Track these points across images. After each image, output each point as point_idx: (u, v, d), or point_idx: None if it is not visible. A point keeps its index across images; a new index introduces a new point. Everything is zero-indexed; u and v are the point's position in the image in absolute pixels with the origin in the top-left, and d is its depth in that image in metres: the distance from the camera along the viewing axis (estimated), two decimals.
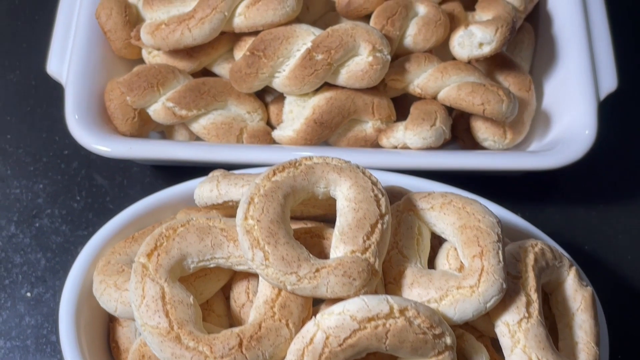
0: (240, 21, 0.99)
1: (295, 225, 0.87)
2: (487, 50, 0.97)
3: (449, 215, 0.79)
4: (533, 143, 1.06)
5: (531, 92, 1.05)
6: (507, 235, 0.90)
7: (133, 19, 1.08)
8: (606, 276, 1.06)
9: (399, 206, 0.83)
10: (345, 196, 0.77)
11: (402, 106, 1.04)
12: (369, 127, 1.02)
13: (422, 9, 1.04)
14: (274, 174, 0.77)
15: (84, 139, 0.96)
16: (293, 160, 0.79)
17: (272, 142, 1.04)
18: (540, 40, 1.12)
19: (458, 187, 0.92)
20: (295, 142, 1.00)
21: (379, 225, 0.74)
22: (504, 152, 1.00)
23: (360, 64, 0.96)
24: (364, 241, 0.73)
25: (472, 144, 1.06)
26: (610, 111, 1.04)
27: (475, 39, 0.97)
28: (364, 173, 0.78)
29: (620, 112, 1.11)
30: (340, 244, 0.74)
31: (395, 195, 0.89)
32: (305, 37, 0.98)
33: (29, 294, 1.03)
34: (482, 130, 1.03)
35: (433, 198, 0.82)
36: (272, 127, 1.06)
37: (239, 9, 0.98)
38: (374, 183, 0.78)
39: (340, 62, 0.96)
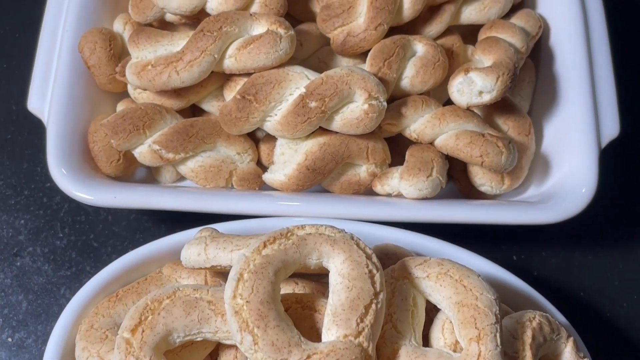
0: (230, 63, 0.94)
1: (285, 286, 0.85)
2: (487, 98, 0.94)
3: (446, 287, 0.77)
4: (531, 188, 1.03)
5: (531, 135, 1.02)
6: (503, 296, 0.88)
7: (118, 51, 1.03)
8: (601, 324, 1.04)
9: (393, 272, 0.80)
10: (338, 271, 0.74)
11: (398, 145, 1.01)
12: (362, 171, 0.99)
13: (420, 48, 1.00)
14: (265, 246, 0.74)
15: (65, 186, 0.92)
16: (284, 230, 0.75)
17: (263, 184, 1.00)
18: (541, 77, 1.08)
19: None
20: (287, 187, 0.97)
21: (373, 306, 0.72)
22: (500, 204, 0.97)
23: (356, 112, 0.92)
24: (357, 324, 0.71)
25: (468, 186, 1.03)
26: (610, 156, 1.01)
27: (475, 87, 0.93)
28: (358, 245, 0.75)
29: (621, 157, 1.08)
30: (332, 326, 0.71)
31: (389, 257, 0.87)
32: (298, 81, 0.93)
33: (10, 339, 1.00)
34: (480, 176, 1.00)
35: (429, 266, 0.79)
36: (263, 166, 1.02)
37: (230, 51, 0.94)
38: (369, 257, 0.75)
39: (334, 109, 0.93)
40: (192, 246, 0.82)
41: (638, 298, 1.06)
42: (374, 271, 0.74)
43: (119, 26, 1.06)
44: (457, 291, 0.76)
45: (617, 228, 1.10)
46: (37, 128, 1.10)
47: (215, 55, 0.93)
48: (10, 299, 1.02)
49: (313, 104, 0.91)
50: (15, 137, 1.13)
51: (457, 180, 1.05)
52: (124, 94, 1.03)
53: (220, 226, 0.90)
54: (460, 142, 0.94)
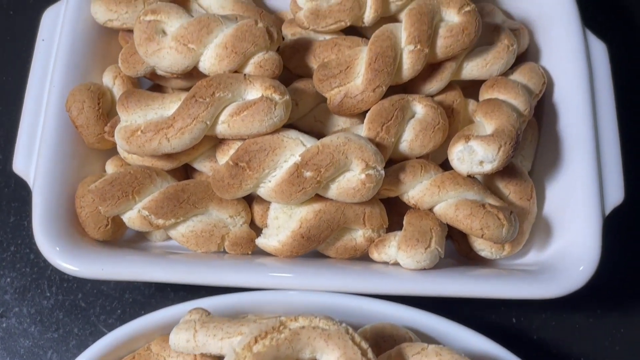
0: (223, 129, 0.91)
1: None
2: (488, 168, 0.91)
3: None
4: (531, 252, 1.00)
5: (532, 200, 0.99)
6: None
7: (107, 108, 1.00)
8: None
9: (390, 359, 0.78)
10: None
11: (396, 204, 0.98)
12: (359, 235, 0.96)
13: (419, 109, 0.97)
14: (256, 341, 0.71)
15: (50, 257, 0.89)
16: (276, 323, 0.73)
17: (256, 248, 0.97)
18: (544, 134, 1.05)
19: None
20: (281, 254, 0.94)
21: None
22: (499, 275, 0.94)
23: (352, 181, 0.89)
24: None
25: (467, 248, 1.00)
26: (614, 221, 0.98)
27: (476, 156, 0.90)
28: (353, 340, 0.72)
29: (625, 223, 1.05)
30: None
31: (385, 339, 0.84)
32: (293, 147, 0.90)
33: None
34: (479, 241, 0.97)
35: (427, 356, 0.77)
36: (256, 226, 0.99)
37: (222, 117, 0.90)
38: (364, 353, 0.72)
39: (330, 178, 0.89)
40: (180, 331, 0.79)
41: None
42: None
43: (108, 80, 1.03)
44: None
45: (619, 292, 1.07)
46: (23, 180, 1.06)
47: (208, 122, 0.89)
48: None
49: (308, 174, 0.88)
50: (2, 188, 1.10)
51: (456, 241, 1.02)
52: (113, 151, 1.00)
53: (211, 300, 0.88)
54: (460, 214, 0.91)
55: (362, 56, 0.96)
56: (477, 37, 0.97)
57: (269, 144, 0.90)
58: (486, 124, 0.95)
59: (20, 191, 1.09)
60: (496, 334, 0.94)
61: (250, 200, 0.99)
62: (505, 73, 1.04)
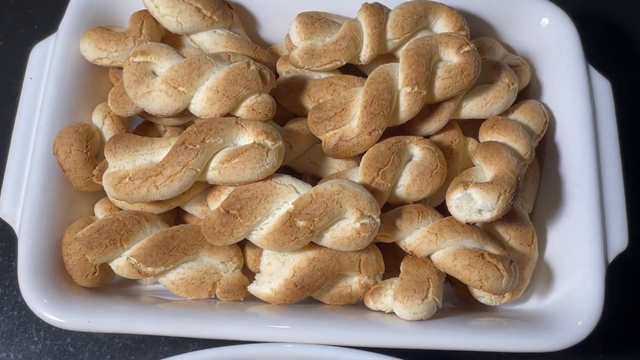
0: (213, 175, 0.88)
1: None
2: (487, 217, 0.88)
3: None
4: (532, 298, 0.98)
5: (533, 245, 0.96)
6: None
7: (96, 150, 0.98)
8: None
9: None
10: None
11: (393, 247, 0.95)
12: (354, 282, 0.93)
13: (417, 152, 0.94)
14: None
15: (35, 308, 0.87)
16: None
17: (248, 295, 0.94)
18: (546, 174, 1.02)
19: None
20: (274, 302, 0.91)
21: None
22: (497, 328, 0.90)
23: (347, 230, 0.87)
24: None
25: (465, 292, 0.97)
26: (617, 268, 0.95)
27: (474, 204, 0.87)
28: None
29: (629, 270, 1.02)
30: None
31: None
32: (286, 195, 0.87)
33: None
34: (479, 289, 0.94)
35: None
36: (249, 271, 0.97)
37: (213, 163, 0.88)
38: None
39: (324, 228, 0.87)
40: None
41: None
42: None
43: (97, 119, 1.00)
44: None
45: (624, 338, 1.04)
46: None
47: (198, 169, 0.87)
48: None
49: (301, 224, 0.85)
50: None
51: (454, 285, 0.99)
52: (102, 192, 0.97)
53: (202, 354, 0.85)
54: (459, 264, 0.88)
55: (357, 98, 0.93)
56: (476, 77, 0.94)
57: (261, 191, 0.87)
58: (485, 169, 0.92)
59: (8, 231, 1.06)
60: None
61: (242, 243, 0.96)
62: (506, 111, 1.01)
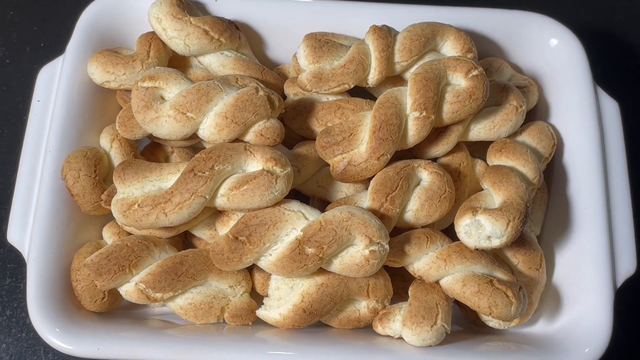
0: (222, 202, 0.88)
1: None
2: (496, 243, 0.88)
3: None
4: (540, 321, 0.98)
5: (542, 269, 0.96)
6: None
7: (104, 174, 0.98)
8: None
9: None
10: None
11: (401, 268, 0.95)
12: (363, 306, 0.94)
13: (425, 176, 0.94)
14: None
15: (44, 335, 0.87)
16: None
17: (256, 319, 0.94)
18: (554, 198, 1.02)
19: None
20: (282, 326, 0.92)
21: None
22: (507, 352, 0.90)
23: (356, 257, 0.86)
24: None
25: (473, 315, 0.97)
26: (626, 292, 0.95)
27: (483, 231, 0.87)
28: None
29: (636, 295, 1.02)
30: None
31: None
32: (295, 221, 0.87)
33: None
34: None
35: None
36: (257, 294, 0.97)
37: (222, 190, 0.88)
38: None
39: (333, 255, 0.87)
40: None
41: None
42: None
43: (105, 142, 1.00)
44: None
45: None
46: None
47: (206, 196, 0.87)
48: None
49: (310, 251, 0.85)
50: None
51: (463, 308, 0.99)
52: (110, 216, 0.97)
53: None
54: (468, 290, 0.88)
55: (366, 122, 0.93)
56: (484, 101, 0.94)
57: (269, 217, 0.87)
58: (494, 194, 0.92)
59: (16, 253, 1.06)
60: None
61: (251, 267, 0.96)
62: (514, 133, 1.01)
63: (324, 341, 0.91)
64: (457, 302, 0.98)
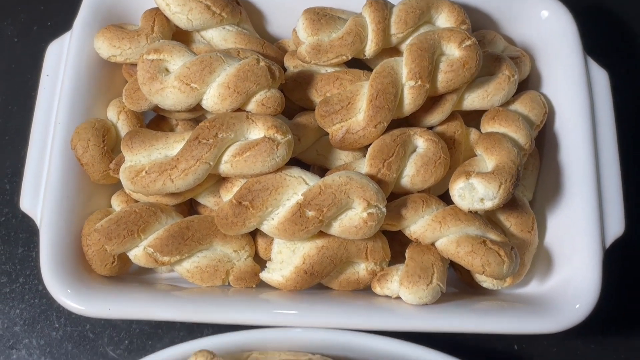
0: (226, 168, 0.92)
1: None
2: (489, 205, 0.91)
3: None
4: (532, 282, 1.01)
5: (534, 232, 1.00)
6: None
7: (112, 144, 1.01)
8: None
9: None
10: None
11: (398, 233, 0.99)
12: (362, 269, 0.97)
13: (421, 143, 0.98)
14: None
15: (58, 297, 0.91)
16: None
17: (260, 282, 0.98)
18: (545, 163, 1.06)
19: None
20: (285, 288, 0.95)
21: None
22: (499, 310, 0.94)
23: (354, 220, 0.90)
24: None
25: (468, 277, 1.01)
26: (615, 251, 0.99)
27: (476, 193, 0.91)
28: None
29: (625, 253, 1.06)
30: None
31: None
32: (296, 186, 0.91)
33: None
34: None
35: None
36: (260, 260, 1.01)
37: (225, 157, 0.91)
38: None
39: (332, 217, 0.90)
40: None
41: None
42: None
43: (112, 115, 1.04)
44: None
45: (621, 320, 1.08)
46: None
47: (211, 163, 0.90)
48: None
49: (311, 214, 0.89)
50: (9, 219, 1.12)
51: (458, 270, 1.03)
52: (118, 185, 1.01)
53: (217, 339, 0.89)
54: (462, 250, 0.92)
55: (363, 92, 0.97)
56: (477, 71, 0.97)
57: (271, 183, 0.91)
58: (487, 159, 0.95)
59: (28, 222, 1.10)
60: None
61: (254, 233, 1.00)
62: (507, 102, 1.04)
63: (325, 301, 0.95)
64: (453, 266, 1.02)
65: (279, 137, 0.91)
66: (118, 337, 1.05)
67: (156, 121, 1.07)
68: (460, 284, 1.04)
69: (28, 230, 1.11)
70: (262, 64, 0.94)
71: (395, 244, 1.01)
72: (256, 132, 0.92)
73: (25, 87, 1.20)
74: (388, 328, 0.91)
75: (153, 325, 1.06)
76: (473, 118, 1.07)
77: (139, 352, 1.03)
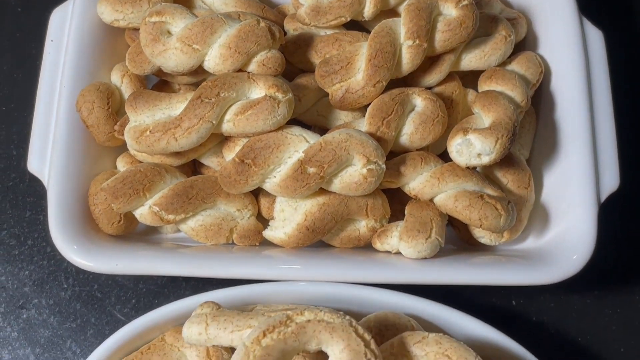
0: (228, 127, 0.94)
1: None
2: (485, 160, 0.93)
3: None
4: (530, 238, 1.04)
5: (530, 188, 1.02)
6: (500, 358, 0.90)
7: (116, 106, 1.03)
8: None
9: (392, 347, 0.82)
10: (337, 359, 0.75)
11: (398, 192, 1.01)
12: (362, 226, 1.00)
13: (419, 102, 0.99)
14: (264, 335, 0.75)
15: (66, 253, 0.93)
16: (283, 318, 0.76)
17: (263, 239, 1.01)
18: (542, 122, 1.08)
19: None
20: (287, 245, 0.98)
21: None
22: (497, 263, 0.97)
23: (354, 176, 0.92)
24: None
25: (467, 234, 1.03)
26: (611, 205, 1.01)
27: (473, 149, 0.93)
28: (356, 332, 0.76)
29: (621, 207, 1.08)
30: None
31: (388, 328, 0.88)
32: (297, 144, 0.93)
33: None
34: (479, 229, 1.00)
35: (427, 344, 0.81)
36: (263, 219, 1.03)
37: (227, 116, 0.93)
38: (367, 344, 0.76)
39: (333, 174, 0.93)
40: (192, 325, 0.83)
41: (635, 344, 1.07)
42: (372, 359, 0.75)
43: (116, 78, 1.06)
44: None
45: (616, 275, 1.11)
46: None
47: (213, 121, 0.92)
48: (18, 352, 1.04)
49: (312, 170, 0.91)
50: (17, 184, 1.14)
51: (456, 228, 1.05)
52: (123, 147, 1.03)
53: (222, 292, 0.92)
54: (459, 205, 0.94)
55: (362, 52, 0.98)
56: (474, 30, 0.99)
57: (273, 141, 0.93)
58: (484, 116, 0.97)
59: (35, 186, 1.13)
60: (497, 316, 0.98)
61: (256, 193, 1.02)
62: (504, 62, 1.06)
63: (328, 256, 0.97)
64: (451, 224, 1.04)
65: (279, 95, 0.93)
66: (125, 296, 1.07)
67: (159, 86, 1.09)
68: (459, 242, 1.07)
69: (35, 194, 1.13)
70: (262, 24, 0.95)
71: (395, 203, 1.03)
72: (257, 91, 0.94)
73: (30, 54, 1.22)
74: (388, 281, 0.93)
75: (159, 284, 1.08)
76: (470, 80, 1.09)
77: (146, 310, 1.04)
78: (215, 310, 0.86)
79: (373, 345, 0.76)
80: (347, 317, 0.78)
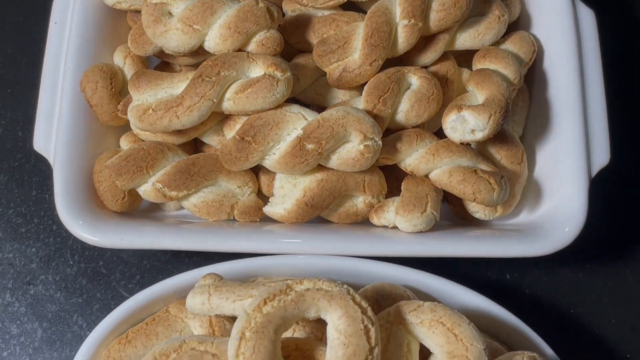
0: (229, 105, 0.97)
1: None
2: (479, 136, 0.96)
3: (438, 335, 0.81)
4: (523, 212, 1.06)
5: (523, 164, 1.05)
6: (494, 328, 0.93)
7: (119, 87, 1.06)
8: (591, 340, 1.09)
9: (389, 316, 0.85)
10: (335, 326, 0.78)
11: (395, 170, 1.04)
12: (360, 202, 1.02)
13: (414, 81, 1.02)
14: (265, 303, 0.78)
15: (72, 229, 0.96)
16: (283, 287, 0.79)
17: (264, 216, 1.03)
18: (535, 100, 1.10)
19: None
20: (287, 220, 1.01)
21: None
22: (491, 236, 0.99)
23: (352, 152, 0.95)
24: None
25: (462, 210, 1.06)
26: (601, 181, 1.04)
27: (467, 125, 0.96)
28: (354, 300, 0.79)
29: (611, 182, 1.11)
30: None
31: (385, 298, 0.91)
32: (296, 121, 0.96)
33: None
34: (473, 204, 1.03)
35: (422, 312, 0.83)
36: (263, 196, 1.06)
37: (228, 94, 0.96)
38: (364, 311, 0.79)
39: (331, 150, 0.95)
40: (196, 295, 0.86)
41: (625, 315, 1.10)
42: (370, 326, 0.78)
43: (119, 59, 1.08)
44: (448, 340, 0.80)
45: (607, 249, 1.13)
46: (44, 157, 1.13)
47: (214, 100, 0.95)
48: (26, 327, 1.07)
49: (310, 146, 0.94)
50: (23, 164, 1.17)
51: (451, 204, 1.08)
52: (126, 127, 1.06)
53: (224, 266, 0.94)
54: (454, 179, 0.97)
55: (359, 32, 1.01)
56: (468, 9, 1.01)
57: (272, 118, 0.96)
58: (478, 94, 1.00)
59: (40, 166, 1.16)
60: (491, 289, 1.01)
61: (256, 170, 1.05)
62: (497, 42, 1.09)
63: (326, 230, 1.00)
64: (446, 200, 1.07)
65: (278, 74, 0.95)
66: (130, 272, 1.10)
67: (160, 67, 1.11)
68: (454, 219, 1.09)
69: (41, 174, 1.16)
70: (261, 4, 0.98)
71: (392, 180, 1.05)
72: (257, 70, 0.96)
73: (34, 39, 1.24)
74: (385, 253, 0.96)
75: (162, 261, 1.11)
76: (465, 60, 1.11)
77: (150, 285, 1.08)
78: (217, 281, 0.88)
79: (370, 313, 0.79)
80: (345, 285, 0.81)
